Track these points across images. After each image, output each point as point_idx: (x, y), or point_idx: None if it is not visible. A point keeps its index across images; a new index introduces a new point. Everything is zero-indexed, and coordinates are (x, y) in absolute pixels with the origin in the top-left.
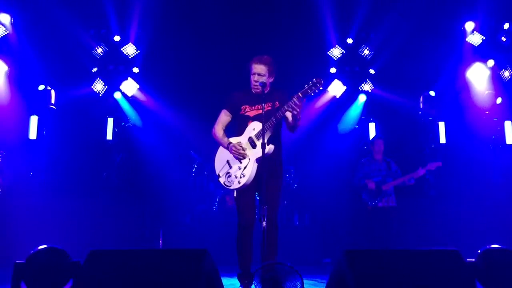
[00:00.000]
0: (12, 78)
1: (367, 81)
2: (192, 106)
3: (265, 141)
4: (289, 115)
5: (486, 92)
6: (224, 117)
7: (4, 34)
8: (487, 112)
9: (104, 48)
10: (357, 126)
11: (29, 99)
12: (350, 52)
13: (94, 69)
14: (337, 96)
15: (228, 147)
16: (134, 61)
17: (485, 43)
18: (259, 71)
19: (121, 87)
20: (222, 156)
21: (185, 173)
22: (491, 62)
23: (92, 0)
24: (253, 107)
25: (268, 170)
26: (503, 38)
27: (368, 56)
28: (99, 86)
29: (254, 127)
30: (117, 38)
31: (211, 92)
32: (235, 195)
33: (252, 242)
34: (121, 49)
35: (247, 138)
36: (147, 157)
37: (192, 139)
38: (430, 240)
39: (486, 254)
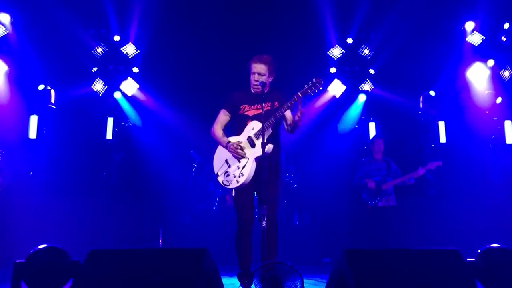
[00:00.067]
0: (12, 77)
1: (367, 81)
2: (192, 106)
3: (265, 140)
4: (288, 115)
5: (486, 91)
6: (223, 117)
7: (4, 34)
8: (487, 112)
9: (104, 48)
10: (357, 126)
11: (29, 98)
12: (350, 52)
13: (94, 69)
14: (337, 96)
15: (227, 146)
16: (134, 61)
17: (485, 43)
18: (259, 71)
19: (121, 87)
20: (221, 155)
21: (185, 173)
22: (491, 62)
23: None
24: (252, 107)
25: (267, 169)
26: (503, 38)
27: (368, 56)
28: (99, 86)
29: (253, 126)
30: (117, 38)
31: (211, 92)
32: (233, 194)
33: (252, 241)
34: (121, 49)
35: (246, 138)
36: (147, 157)
37: (192, 139)
38: (430, 239)
39: (486, 253)
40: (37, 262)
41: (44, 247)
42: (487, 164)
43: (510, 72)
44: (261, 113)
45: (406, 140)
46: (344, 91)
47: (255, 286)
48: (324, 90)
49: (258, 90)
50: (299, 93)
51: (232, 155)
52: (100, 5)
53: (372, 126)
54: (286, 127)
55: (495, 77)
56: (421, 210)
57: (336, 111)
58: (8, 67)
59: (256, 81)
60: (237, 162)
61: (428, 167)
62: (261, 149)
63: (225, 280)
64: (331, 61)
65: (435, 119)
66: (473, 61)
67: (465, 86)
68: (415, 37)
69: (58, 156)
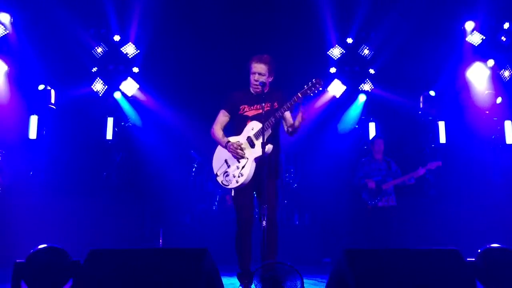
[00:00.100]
0: (12, 77)
1: (367, 81)
2: (192, 106)
3: (265, 138)
4: (288, 116)
5: (486, 91)
6: (223, 117)
7: (4, 34)
8: (487, 112)
9: (104, 48)
10: (357, 126)
11: (29, 98)
12: (350, 52)
13: (94, 69)
14: (337, 96)
15: (226, 146)
16: (134, 61)
17: (485, 42)
18: (260, 70)
19: (121, 87)
20: (220, 155)
21: (185, 173)
22: (491, 62)
23: None
24: (252, 107)
25: (266, 169)
26: (503, 38)
27: (368, 55)
28: (99, 86)
29: (253, 126)
30: (117, 37)
31: (211, 92)
32: (232, 194)
33: (252, 241)
34: (121, 49)
35: (246, 138)
36: (147, 157)
37: (192, 139)
38: (430, 239)
39: (486, 253)
40: (37, 262)
41: (44, 247)
42: (487, 164)
43: (510, 72)
44: (260, 113)
45: (406, 140)
46: (344, 91)
47: (255, 286)
48: (324, 90)
49: (258, 90)
50: (299, 94)
51: (232, 155)
52: (100, 5)
53: (372, 126)
54: (285, 128)
55: (495, 77)
56: (421, 210)
57: (336, 111)
58: (8, 67)
59: (256, 80)
60: (236, 162)
61: (428, 167)
62: (261, 150)
63: (225, 280)
64: (331, 61)
65: (435, 119)
66: (473, 61)
67: (465, 86)
68: (415, 37)
69: (58, 156)
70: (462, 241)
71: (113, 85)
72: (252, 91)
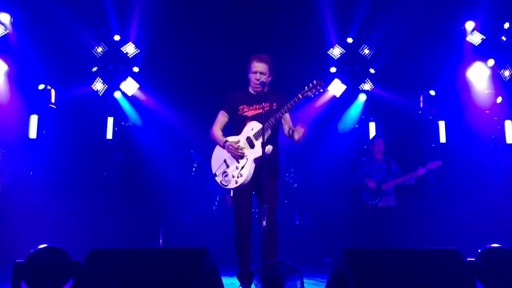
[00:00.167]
0: (12, 77)
1: (367, 81)
2: (192, 106)
3: (265, 138)
4: (288, 119)
5: (486, 91)
6: (222, 118)
7: (4, 34)
8: (487, 112)
9: (104, 48)
10: (357, 126)
11: (29, 98)
12: (350, 52)
13: (94, 69)
14: (337, 96)
15: (224, 145)
16: (134, 60)
17: (485, 42)
18: (261, 70)
19: (121, 87)
20: (219, 155)
21: (185, 173)
22: (491, 62)
23: None
24: (251, 107)
25: (266, 170)
26: (503, 38)
27: (368, 55)
28: (99, 86)
29: (253, 127)
30: (117, 37)
31: (211, 92)
32: (231, 194)
33: (252, 241)
34: (121, 49)
35: (245, 138)
36: (147, 156)
37: (192, 139)
38: (430, 239)
39: (486, 253)
40: (37, 262)
41: (44, 247)
42: (487, 164)
43: (510, 71)
44: (260, 113)
45: (406, 140)
46: (344, 90)
47: (255, 285)
48: (324, 90)
49: (259, 89)
50: (299, 95)
51: (231, 155)
52: (100, 5)
53: (372, 126)
54: (286, 131)
55: (495, 76)
56: (421, 210)
57: (336, 111)
58: (8, 67)
59: (258, 80)
60: (235, 162)
61: (428, 167)
62: (260, 150)
63: (225, 280)
64: (331, 61)
65: (435, 119)
66: (473, 60)
67: (465, 86)
68: (415, 37)
69: (58, 156)
70: (462, 241)
71: (113, 84)
72: (252, 91)
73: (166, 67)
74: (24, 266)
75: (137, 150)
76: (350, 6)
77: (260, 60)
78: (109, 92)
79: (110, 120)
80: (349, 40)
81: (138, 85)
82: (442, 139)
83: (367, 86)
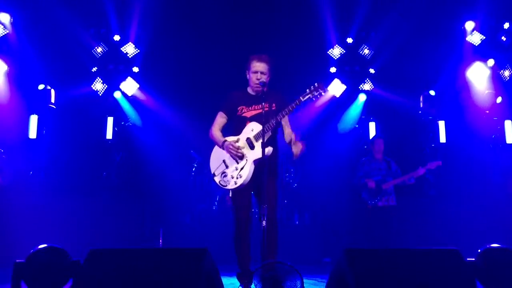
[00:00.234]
0: (12, 77)
1: (367, 81)
2: (192, 106)
3: (265, 141)
4: (286, 123)
5: (486, 91)
6: (220, 119)
7: (4, 34)
8: (487, 112)
9: (104, 48)
10: (357, 126)
11: (29, 98)
12: (350, 52)
13: (94, 69)
14: (337, 96)
15: (223, 145)
16: (134, 60)
17: (485, 42)
18: (262, 69)
19: (121, 87)
20: (218, 155)
21: (185, 173)
22: (491, 62)
23: None
24: (250, 108)
25: (265, 171)
26: (503, 38)
27: (368, 55)
28: (99, 86)
29: (253, 127)
30: (117, 37)
31: (211, 92)
32: (230, 195)
33: (252, 241)
34: (121, 49)
35: (245, 139)
36: (147, 156)
37: (192, 139)
38: (430, 239)
39: (486, 253)
40: (37, 262)
41: (44, 247)
42: (487, 164)
43: (510, 71)
44: (259, 113)
45: (406, 140)
46: (344, 90)
47: (255, 285)
48: (325, 92)
49: (259, 89)
50: (300, 98)
51: (230, 155)
52: (100, 5)
53: (372, 126)
54: (285, 135)
55: (495, 76)
56: (421, 210)
57: (336, 111)
58: (8, 66)
59: (258, 79)
60: (235, 163)
61: (428, 167)
62: (260, 152)
63: (225, 280)
64: (331, 61)
65: (435, 119)
66: (473, 60)
67: (465, 86)
68: (415, 37)
69: (58, 156)
70: (462, 241)
71: (113, 84)
72: (251, 91)
73: (166, 67)
74: (24, 266)
75: (137, 150)
76: (350, 6)
77: (260, 59)
78: (109, 92)
79: (110, 120)
80: (349, 40)
81: (138, 85)
82: (442, 139)
83: (367, 86)
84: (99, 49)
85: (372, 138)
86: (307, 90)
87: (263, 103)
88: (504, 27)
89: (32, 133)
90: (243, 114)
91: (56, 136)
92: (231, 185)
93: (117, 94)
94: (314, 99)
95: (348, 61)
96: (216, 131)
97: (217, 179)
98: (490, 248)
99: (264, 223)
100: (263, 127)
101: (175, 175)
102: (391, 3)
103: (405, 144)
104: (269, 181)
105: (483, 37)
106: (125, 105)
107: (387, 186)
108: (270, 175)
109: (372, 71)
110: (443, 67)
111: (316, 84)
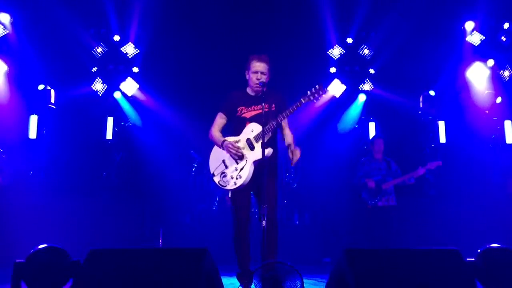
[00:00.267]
0: (12, 77)
1: (367, 81)
2: (192, 106)
3: (265, 141)
4: (285, 125)
5: (486, 91)
6: (220, 120)
7: (4, 34)
8: (487, 112)
9: (104, 48)
10: (357, 126)
11: (29, 98)
12: (350, 52)
13: (94, 69)
14: (337, 96)
15: (222, 144)
16: (134, 60)
17: (485, 42)
18: (262, 69)
19: (121, 87)
20: (217, 155)
21: (185, 173)
22: (491, 62)
23: None
24: (249, 108)
25: (265, 172)
26: (503, 38)
27: (368, 55)
28: (99, 86)
29: (253, 128)
30: (117, 37)
31: (211, 92)
32: (229, 195)
33: (252, 241)
34: (121, 49)
35: (245, 139)
36: (147, 156)
37: (192, 139)
38: (430, 239)
39: (486, 253)
40: (37, 262)
41: (44, 247)
42: (487, 164)
43: (510, 72)
44: (259, 113)
45: (406, 140)
46: (344, 91)
47: (255, 285)
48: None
49: (259, 89)
50: (301, 99)
51: (230, 155)
52: (100, 5)
53: (372, 126)
54: (284, 138)
55: (495, 77)
56: (421, 210)
57: (336, 111)
58: (8, 67)
59: (259, 79)
60: (235, 163)
61: (428, 167)
62: (261, 153)
63: (225, 280)
64: (331, 61)
65: (435, 119)
66: (473, 61)
67: (465, 86)
68: (415, 37)
69: (58, 156)
70: (462, 241)
71: (113, 85)
72: (251, 91)
73: (166, 67)
74: (24, 266)
75: (137, 150)
76: (350, 6)
77: (260, 59)
78: (109, 92)
79: (110, 120)
80: (349, 40)
81: (138, 85)
82: (442, 139)
83: (367, 86)
84: (99, 49)
85: (372, 138)
86: (308, 92)
87: (263, 104)
88: (504, 27)
89: (32, 133)
90: (243, 115)
91: (56, 136)
92: (230, 186)
93: (117, 94)
94: (315, 100)
95: (348, 61)
96: (215, 131)
97: (216, 179)
98: (490, 248)
99: (264, 223)
100: (263, 129)
101: (175, 175)
102: (391, 3)
103: (405, 144)
104: (269, 181)
105: (483, 37)
106: (125, 105)
107: (387, 186)
108: (270, 175)
109: (372, 71)
110: (443, 67)
111: (317, 86)
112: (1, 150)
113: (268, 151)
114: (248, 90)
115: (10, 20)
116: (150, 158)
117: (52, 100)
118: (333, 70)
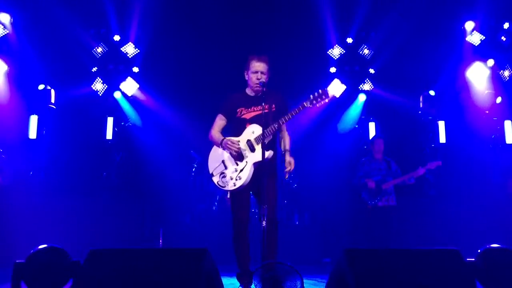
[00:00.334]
0: (12, 77)
1: (367, 81)
2: (192, 106)
3: (265, 143)
4: (283, 129)
5: (486, 91)
6: (219, 121)
7: (4, 34)
8: (487, 112)
9: (104, 48)
10: (357, 126)
11: (29, 98)
12: (350, 52)
13: (94, 69)
14: (337, 96)
15: (221, 142)
16: (134, 60)
17: (485, 42)
18: (262, 69)
19: (121, 87)
20: (216, 155)
21: (185, 173)
22: (491, 62)
23: None
24: (249, 109)
25: (265, 174)
26: (503, 38)
27: (368, 55)
28: (99, 86)
29: (254, 130)
30: (117, 37)
31: (211, 92)
32: (228, 195)
33: (252, 241)
34: (121, 49)
35: (246, 140)
36: (147, 156)
37: (192, 139)
38: (430, 239)
39: (486, 253)
40: (37, 262)
41: (44, 247)
42: (487, 164)
43: (510, 72)
44: (259, 114)
45: (406, 140)
46: (344, 90)
47: (255, 286)
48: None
49: (259, 89)
50: (304, 103)
51: (229, 152)
52: (100, 5)
53: (372, 126)
54: (281, 138)
55: (495, 77)
56: (421, 210)
57: (336, 111)
58: (8, 67)
59: (259, 79)
60: (234, 164)
61: (428, 167)
62: (261, 155)
63: (225, 280)
64: (331, 61)
65: (435, 119)
66: (473, 61)
67: (465, 86)
68: (415, 37)
69: (58, 156)
70: (462, 241)
71: (113, 84)
72: (250, 92)
73: (166, 67)
74: (24, 266)
75: (137, 150)
76: (350, 6)
77: (260, 59)
78: (109, 92)
79: (110, 120)
80: (349, 40)
81: (138, 85)
82: (442, 139)
83: (367, 86)
84: (99, 49)
85: (372, 138)
86: (311, 96)
87: (263, 104)
88: (504, 27)
89: (32, 133)
90: (243, 116)
91: (56, 136)
92: (230, 186)
93: (117, 94)
94: (317, 105)
95: (348, 61)
96: (215, 133)
97: (215, 179)
98: (490, 248)
99: (264, 223)
100: (263, 131)
101: (175, 175)
102: (391, 3)
103: (405, 144)
104: (269, 182)
105: (483, 37)
106: (125, 105)
107: (387, 186)
108: (270, 176)
109: (372, 71)
110: (443, 67)
111: (320, 90)
112: (1, 150)
113: (269, 153)
114: (248, 91)
115: (10, 20)
116: (150, 158)
117: (52, 100)
118: (333, 70)
